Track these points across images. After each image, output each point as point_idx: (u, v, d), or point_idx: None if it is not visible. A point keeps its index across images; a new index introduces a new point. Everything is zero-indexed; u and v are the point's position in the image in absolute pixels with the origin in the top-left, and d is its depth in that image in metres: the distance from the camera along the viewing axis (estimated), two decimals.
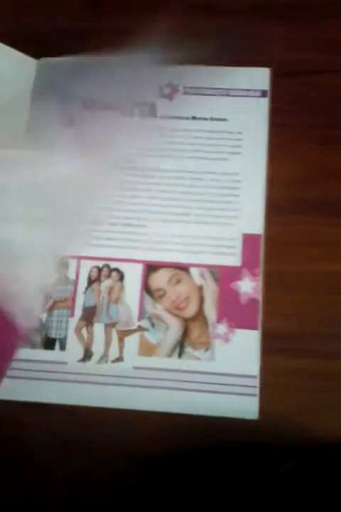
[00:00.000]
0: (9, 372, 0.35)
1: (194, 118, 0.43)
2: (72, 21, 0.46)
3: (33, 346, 0.38)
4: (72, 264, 0.39)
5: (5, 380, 0.34)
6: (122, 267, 0.39)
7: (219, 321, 0.38)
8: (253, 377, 0.36)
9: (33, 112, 0.43)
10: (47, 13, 0.46)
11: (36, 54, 0.45)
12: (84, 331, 0.38)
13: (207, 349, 0.37)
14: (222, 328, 0.38)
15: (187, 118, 0.43)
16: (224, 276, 0.39)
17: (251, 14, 0.44)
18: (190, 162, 0.41)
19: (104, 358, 0.37)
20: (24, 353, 0.37)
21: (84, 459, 0.36)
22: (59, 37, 0.45)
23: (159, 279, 0.39)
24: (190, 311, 0.38)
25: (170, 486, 0.36)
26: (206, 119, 0.43)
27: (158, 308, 0.38)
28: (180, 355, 0.37)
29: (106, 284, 0.39)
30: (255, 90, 0.43)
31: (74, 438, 0.37)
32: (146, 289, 0.39)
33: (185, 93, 0.43)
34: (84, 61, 0.44)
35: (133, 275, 0.39)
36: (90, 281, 0.39)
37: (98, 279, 0.39)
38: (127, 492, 0.36)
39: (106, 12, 0.46)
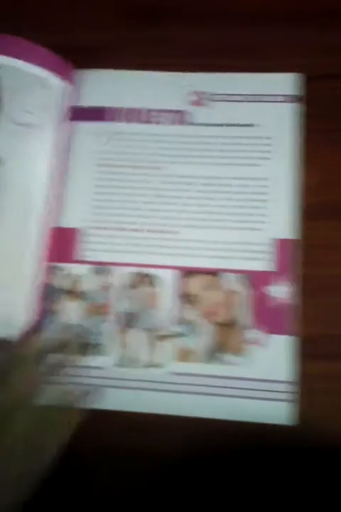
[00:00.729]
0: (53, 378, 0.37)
1: (223, 124, 0.43)
2: (106, 32, 0.47)
3: (71, 352, 0.39)
4: (111, 270, 0.40)
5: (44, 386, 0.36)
6: (156, 273, 0.40)
7: (253, 326, 0.38)
8: (289, 382, 0.37)
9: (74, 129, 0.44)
10: (85, 26, 0.47)
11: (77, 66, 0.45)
12: (121, 337, 0.39)
13: (241, 354, 0.38)
14: (256, 334, 0.38)
15: (216, 124, 0.43)
16: (256, 281, 0.39)
17: (284, 19, 0.45)
18: (219, 168, 0.42)
19: (140, 363, 0.38)
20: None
21: (119, 464, 0.37)
22: (96, 50, 0.46)
23: (193, 285, 0.40)
24: (224, 316, 0.39)
25: (207, 491, 0.36)
26: (235, 125, 0.43)
27: (193, 314, 0.39)
28: (215, 360, 0.38)
29: (141, 290, 0.40)
30: (285, 95, 0.43)
31: (109, 442, 0.38)
32: (180, 295, 0.39)
33: (214, 100, 0.44)
34: (117, 74, 0.45)
35: (168, 281, 0.40)
36: (127, 288, 0.40)
37: (135, 286, 0.40)
38: (162, 496, 0.36)
39: (138, 23, 0.47)
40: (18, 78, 0.44)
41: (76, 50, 0.46)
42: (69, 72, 0.46)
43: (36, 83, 0.44)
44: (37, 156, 0.43)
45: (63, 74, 0.45)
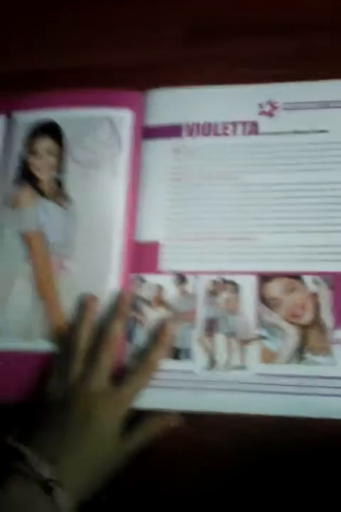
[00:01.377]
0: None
1: (295, 132, 0.44)
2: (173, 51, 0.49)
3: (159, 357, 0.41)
4: (190, 279, 0.42)
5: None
6: (237, 279, 0.42)
7: (336, 326, 0.39)
8: None
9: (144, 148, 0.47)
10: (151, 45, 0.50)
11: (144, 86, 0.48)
12: (206, 341, 0.41)
13: (326, 354, 0.38)
14: (340, 334, 0.39)
15: (289, 132, 0.44)
16: (337, 282, 0.40)
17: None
18: (294, 175, 0.43)
19: (227, 365, 0.40)
20: None
21: (211, 463, 0.39)
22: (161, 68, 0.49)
23: (273, 288, 0.41)
24: (307, 318, 0.40)
25: (292, 487, 0.37)
26: (308, 132, 0.44)
27: (274, 317, 0.40)
28: (300, 361, 0.39)
29: (223, 296, 0.41)
30: None
31: (200, 442, 0.39)
32: (261, 298, 0.41)
33: (285, 109, 0.45)
34: (185, 91, 0.47)
35: (248, 286, 0.41)
36: (208, 295, 0.42)
37: (215, 292, 0.42)
38: (250, 494, 0.38)
39: (205, 39, 0.49)
40: (80, 125, 0.48)
41: (142, 69, 0.49)
42: (135, 99, 0.49)
43: (98, 123, 0.48)
44: (108, 185, 0.46)
45: (127, 104, 0.48)
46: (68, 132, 0.49)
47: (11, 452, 0.35)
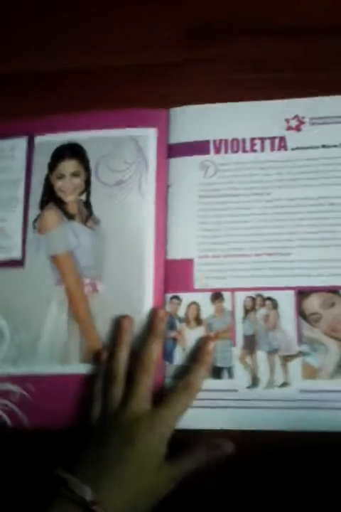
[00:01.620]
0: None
1: (324, 146, 0.45)
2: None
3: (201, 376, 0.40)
4: (227, 296, 0.42)
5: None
6: (274, 295, 0.42)
7: None
8: None
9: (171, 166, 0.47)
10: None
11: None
12: (248, 359, 0.41)
13: None
14: None
15: (317, 147, 0.45)
16: None
17: None
18: (325, 188, 0.43)
19: (270, 383, 0.40)
20: None
21: (258, 482, 0.39)
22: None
23: (312, 303, 0.41)
24: None
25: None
26: (336, 146, 0.44)
27: (315, 332, 0.40)
28: None
29: (261, 312, 0.41)
30: None
31: (247, 463, 0.39)
32: (301, 314, 0.41)
33: (312, 123, 0.45)
34: (212, 108, 0.47)
35: (287, 302, 0.41)
36: (246, 311, 0.42)
37: (253, 309, 0.42)
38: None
39: (204, 40, 0.50)
40: (104, 146, 0.48)
41: (141, 70, 0.49)
42: (158, 117, 0.48)
43: (122, 143, 0.48)
44: (135, 204, 0.46)
45: (151, 122, 0.48)
46: (92, 153, 0.48)
47: (55, 479, 0.35)
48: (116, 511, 0.34)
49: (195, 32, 0.51)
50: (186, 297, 0.43)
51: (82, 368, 0.43)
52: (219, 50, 0.50)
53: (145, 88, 0.49)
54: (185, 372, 0.41)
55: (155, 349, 0.41)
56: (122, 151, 0.48)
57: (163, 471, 0.36)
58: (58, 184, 0.48)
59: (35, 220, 0.47)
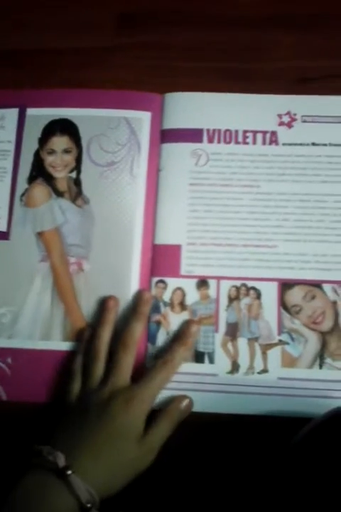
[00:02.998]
0: (168, 385, 0.39)
1: (314, 144, 0.46)
2: None
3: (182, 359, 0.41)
4: (213, 284, 0.43)
5: (164, 392, 0.38)
6: (259, 285, 0.43)
7: None
8: None
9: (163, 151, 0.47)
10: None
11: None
12: (229, 345, 0.42)
13: None
14: None
15: (307, 144, 0.46)
16: None
17: None
18: (312, 185, 0.45)
19: (250, 369, 0.41)
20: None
21: (233, 463, 0.40)
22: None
23: (294, 295, 0.42)
24: (327, 325, 0.41)
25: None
26: (325, 144, 0.46)
27: (295, 323, 0.41)
28: (320, 366, 0.40)
29: (245, 301, 0.42)
30: None
31: (223, 443, 0.40)
32: (283, 305, 0.42)
33: (304, 121, 0.47)
34: (206, 97, 0.48)
35: (270, 293, 0.42)
36: (230, 300, 0.43)
37: (237, 298, 0.43)
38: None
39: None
40: (95, 124, 0.48)
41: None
42: (153, 101, 0.49)
43: (116, 124, 0.48)
44: (126, 186, 0.46)
45: (145, 105, 0.49)
46: (85, 131, 0.48)
47: (30, 451, 0.35)
48: (93, 481, 0.34)
49: (127, 18, 0.52)
50: (172, 282, 0.44)
51: (63, 346, 0.43)
52: (152, 37, 0.51)
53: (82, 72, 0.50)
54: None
55: (137, 329, 0.41)
56: (115, 132, 0.48)
57: (141, 444, 0.37)
58: (49, 159, 0.48)
59: (23, 194, 0.47)
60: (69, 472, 0.33)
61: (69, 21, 0.53)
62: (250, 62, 0.49)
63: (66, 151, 0.48)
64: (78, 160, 0.48)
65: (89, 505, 0.33)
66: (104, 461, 0.35)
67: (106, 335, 0.41)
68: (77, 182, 0.47)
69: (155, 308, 0.43)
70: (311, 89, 0.48)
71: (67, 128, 0.48)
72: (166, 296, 0.43)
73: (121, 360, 0.39)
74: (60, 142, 0.48)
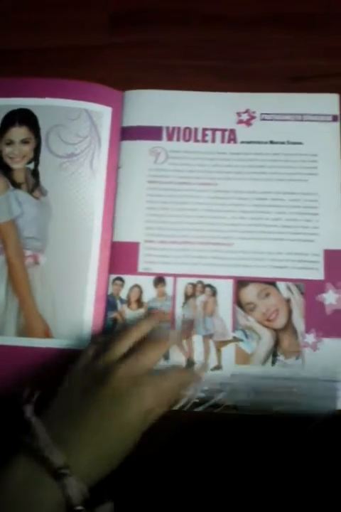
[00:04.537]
0: None
1: (271, 142, 0.46)
2: None
3: None
4: (170, 281, 0.43)
5: None
6: (214, 283, 0.43)
7: (307, 331, 0.41)
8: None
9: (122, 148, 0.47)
10: None
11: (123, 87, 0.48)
12: (184, 343, 0.42)
13: (297, 357, 0.41)
14: (310, 338, 0.41)
15: (266, 142, 0.46)
16: (309, 289, 0.42)
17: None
18: (270, 183, 0.45)
19: (204, 366, 0.41)
20: None
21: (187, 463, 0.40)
22: None
23: (249, 293, 0.43)
24: (280, 322, 0.42)
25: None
26: (283, 142, 0.46)
27: (250, 321, 0.42)
28: (273, 363, 0.41)
29: (200, 299, 0.43)
30: (326, 115, 0.47)
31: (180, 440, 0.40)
32: (237, 302, 0.42)
33: (262, 119, 0.47)
34: (166, 94, 0.48)
35: (225, 290, 0.43)
36: (186, 297, 0.43)
37: (193, 295, 0.43)
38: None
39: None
40: (55, 115, 0.47)
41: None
42: (114, 97, 0.48)
43: (76, 115, 0.47)
44: (85, 180, 0.46)
45: (106, 100, 0.48)
46: (44, 121, 0.47)
47: (25, 426, 0.33)
48: (85, 475, 0.32)
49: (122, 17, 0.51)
50: (129, 279, 0.43)
51: (17, 341, 0.42)
52: (148, 35, 0.50)
53: (73, 70, 0.49)
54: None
55: (176, 339, 0.41)
56: (75, 123, 0.47)
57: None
58: (6, 150, 0.47)
59: None
60: (65, 472, 0.31)
61: (61, 20, 0.52)
62: (242, 60, 0.49)
63: (24, 142, 0.47)
64: (36, 151, 0.47)
65: (79, 508, 0.31)
66: (103, 453, 0.33)
67: (144, 328, 0.39)
68: (35, 173, 0.46)
69: (112, 306, 0.43)
70: (303, 87, 0.48)
71: (26, 118, 0.47)
72: (123, 294, 0.43)
73: (147, 350, 0.37)
74: (18, 133, 0.47)
